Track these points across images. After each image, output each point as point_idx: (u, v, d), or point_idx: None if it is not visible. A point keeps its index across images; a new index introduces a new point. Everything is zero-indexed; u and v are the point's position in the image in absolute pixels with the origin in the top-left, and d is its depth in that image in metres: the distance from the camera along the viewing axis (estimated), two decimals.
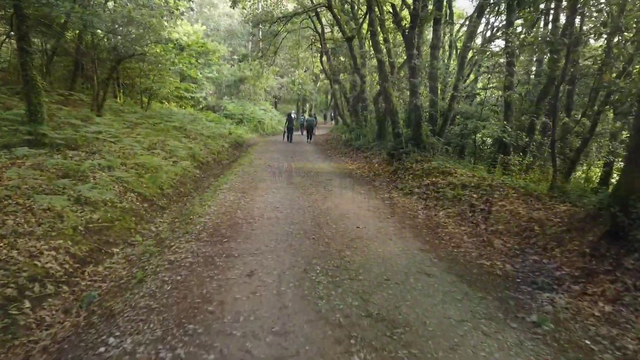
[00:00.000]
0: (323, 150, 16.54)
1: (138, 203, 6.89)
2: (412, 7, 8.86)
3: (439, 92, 11.14)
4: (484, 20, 12.40)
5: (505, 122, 9.29)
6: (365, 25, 19.05)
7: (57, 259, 4.27)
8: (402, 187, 8.08)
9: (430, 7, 9.58)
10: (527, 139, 9.29)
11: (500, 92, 12.61)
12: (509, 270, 4.06)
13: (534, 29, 9.81)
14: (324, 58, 22.52)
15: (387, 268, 4.02)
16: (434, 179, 7.92)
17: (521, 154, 9.54)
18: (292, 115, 21.32)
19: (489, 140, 15.07)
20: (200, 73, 25.80)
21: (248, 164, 11.54)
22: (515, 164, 9.01)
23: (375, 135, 14.10)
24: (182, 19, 25.93)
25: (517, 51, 9.21)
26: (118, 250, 5.14)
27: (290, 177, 9.32)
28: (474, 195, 6.57)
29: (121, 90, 19.11)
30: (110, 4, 11.88)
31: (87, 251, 4.81)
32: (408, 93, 14.59)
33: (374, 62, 22.02)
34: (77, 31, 12.79)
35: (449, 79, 12.73)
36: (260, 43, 23.60)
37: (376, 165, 10.83)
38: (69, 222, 5.09)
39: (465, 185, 7.08)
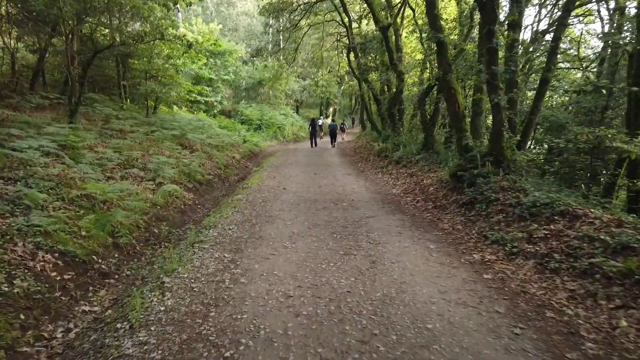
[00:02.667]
0: (352, 163, 13.36)
1: (55, 274, 3.92)
2: None
3: (518, 87, 7.82)
4: None
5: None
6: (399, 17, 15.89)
7: None
8: (496, 239, 4.79)
9: None
10: None
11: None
12: None
13: None
14: (352, 55, 19.38)
15: None
16: (551, 226, 4.62)
17: None
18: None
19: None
20: (216, 75, 23.15)
21: (257, 185, 8.49)
22: None
23: (421, 145, 10.83)
24: (196, 17, 23.37)
25: None
26: None
27: (313, 212, 6.19)
28: None
29: (127, 95, 16.64)
30: None
31: None
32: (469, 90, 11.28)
33: (411, 56, 18.77)
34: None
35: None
36: (281, 35, 20.56)
37: (432, 189, 7.57)
38: None
39: (628, 246, 3.79)
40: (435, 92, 10.68)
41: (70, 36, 8.98)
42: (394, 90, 15.18)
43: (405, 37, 17.34)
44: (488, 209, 5.73)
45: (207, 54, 19.91)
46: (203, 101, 21.68)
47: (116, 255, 4.85)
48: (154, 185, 7.61)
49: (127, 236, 5.22)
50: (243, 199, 7.08)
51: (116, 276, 4.45)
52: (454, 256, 4.38)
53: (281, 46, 18.50)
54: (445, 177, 7.70)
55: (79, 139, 7.26)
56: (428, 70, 12.26)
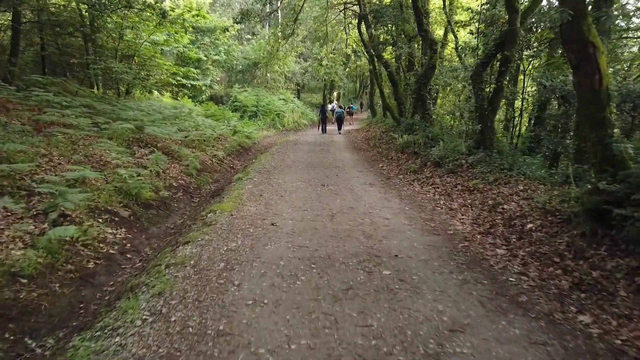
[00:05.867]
0: (370, 162, 9.82)
1: None
2: None
3: None
4: None
5: None
6: None
7: None
8: None
9: None
10: None
11: None
12: None
13: None
14: (363, 27, 15.60)
15: None
16: None
17: None
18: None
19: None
20: (205, 55, 19.41)
21: (228, 217, 4.95)
22: None
23: (474, 142, 7.26)
24: None
25: None
26: None
27: (326, 313, 2.67)
28: None
29: (87, 76, 13.13)
30: None
31: None
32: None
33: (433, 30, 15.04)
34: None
35: None
36: None
37: (534, 230, 4.06)
38: None
39: None
40: (497, 63, 7.07)
41: None
42: (419, 66, 11.56)
43: None
44: None
45: (190, 28, 16.15)
46: (190, 85, 18.04)
47: None
48: (45, 226, 4.16)
49: None
50: (191, 259, 3.58)
51: None
52: None
53: (278, 5, 14.56)
54: (561, 209, 4.17)
55: None
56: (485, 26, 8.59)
